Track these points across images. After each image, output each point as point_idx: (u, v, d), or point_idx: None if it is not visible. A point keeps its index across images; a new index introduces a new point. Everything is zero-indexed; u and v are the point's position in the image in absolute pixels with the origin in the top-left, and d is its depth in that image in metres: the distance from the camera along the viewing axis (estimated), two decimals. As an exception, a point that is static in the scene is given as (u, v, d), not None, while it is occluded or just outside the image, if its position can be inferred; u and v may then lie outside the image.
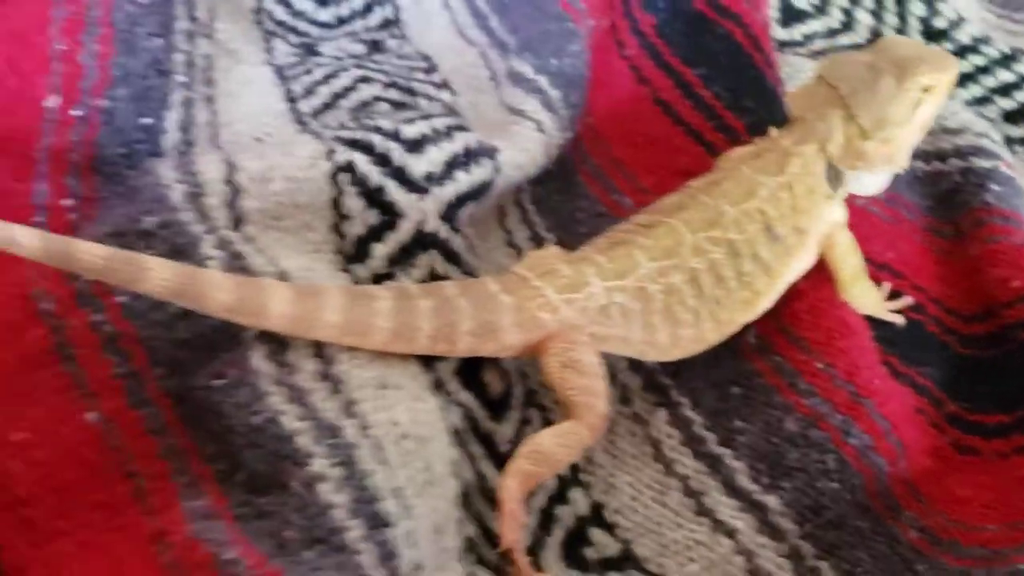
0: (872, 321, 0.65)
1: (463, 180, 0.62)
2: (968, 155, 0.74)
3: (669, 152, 0.74)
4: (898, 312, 0.65)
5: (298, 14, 0.80)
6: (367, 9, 0.83)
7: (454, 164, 0.62)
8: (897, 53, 0.60)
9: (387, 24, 0.83)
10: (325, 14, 0.81)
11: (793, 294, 0.62)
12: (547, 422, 0.59)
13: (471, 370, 0.57)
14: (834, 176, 0.60)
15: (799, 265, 0.61)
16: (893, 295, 0.67)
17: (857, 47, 0.85)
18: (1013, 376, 0.62)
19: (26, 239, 0.42)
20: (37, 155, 0.59)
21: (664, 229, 0.57)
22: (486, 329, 0.53)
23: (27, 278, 0.50)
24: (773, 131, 0.63)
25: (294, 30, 0.79)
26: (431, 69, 0.76)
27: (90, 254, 0.44)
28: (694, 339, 0.58)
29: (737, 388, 0.61)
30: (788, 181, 0.59)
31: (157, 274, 0.45)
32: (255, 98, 0.69)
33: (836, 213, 0.61)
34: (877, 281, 0.67)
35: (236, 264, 0.51)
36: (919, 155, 0.77)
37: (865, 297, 0.63)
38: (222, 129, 0.66)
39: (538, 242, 0.70)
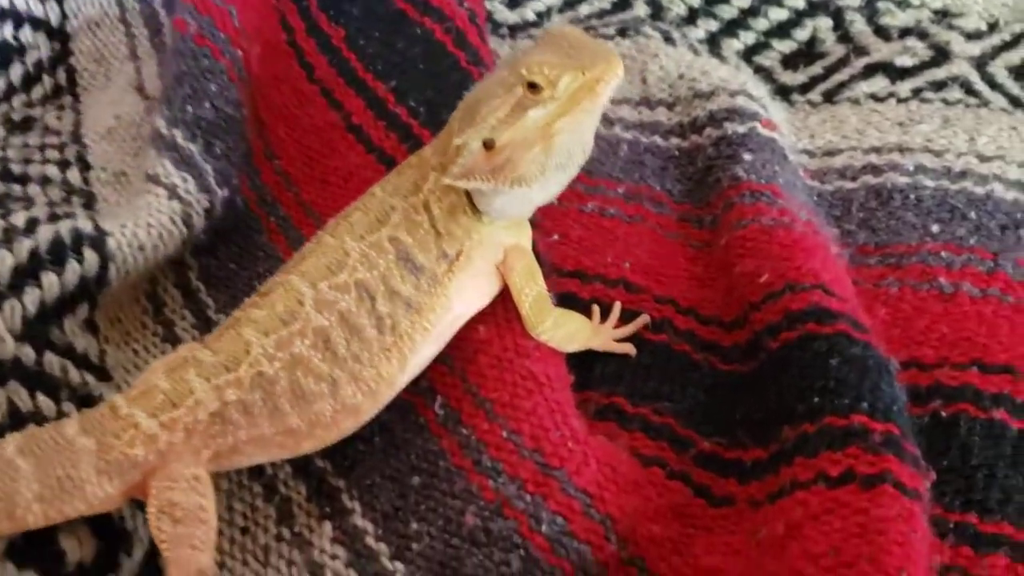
0: (594, 357, 0.52)
1: (53, 285, 0.51)
2: (723, 121, 0.62)
3: (361, 186, 0.61)
4: (629, 339, 0.53)
5: None
6: (31, 80, 0.71)
7: (36, 267, 0.50)
8: (536, 48, 0.47)
9: (58, 93, 0.71)
10: None
11: (478, 345, 0.50)
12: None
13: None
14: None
15: (462, 298, 0.49)
16: (628, 318, 0.54)
17: (601, 16, 0.73)
18: (765, 398, 0.49)
19: None
20: None
21: (280, 292, 0.46)
22: (61, 489, 0.42)
23: None
24: None
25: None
26: (74, 141, 0.65)
27: None
28: (339, 411, 0.46)
29: (417, 478, 0.48)
30: (424, 200, 0.47)
31: None
32: None
33: (501, 234, 0.49)
34: (608, 301, 0.54)
35: None
36: (674, 131, 0.64)
37: (560, 330, 0.50)
38: None
39: (208, 328, 0.58)
